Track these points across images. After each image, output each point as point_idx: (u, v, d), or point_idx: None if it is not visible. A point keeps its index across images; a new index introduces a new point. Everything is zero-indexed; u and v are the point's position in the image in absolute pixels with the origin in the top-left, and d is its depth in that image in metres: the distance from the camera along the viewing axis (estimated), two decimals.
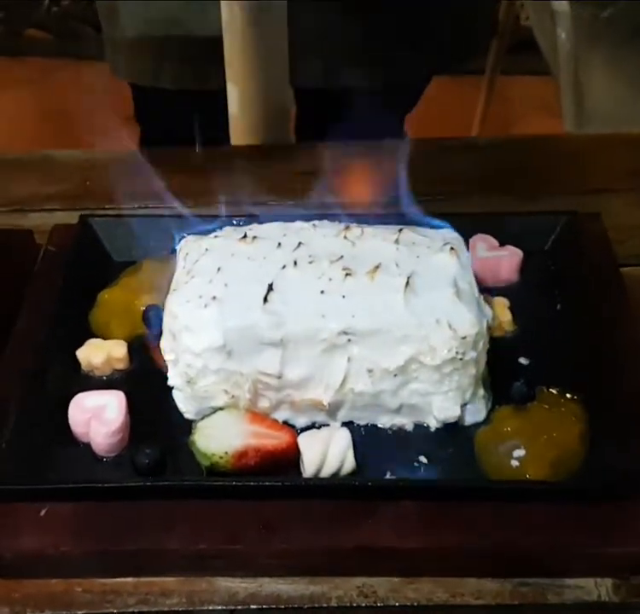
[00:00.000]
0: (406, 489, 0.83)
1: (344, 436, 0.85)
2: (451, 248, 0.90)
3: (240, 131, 1.35)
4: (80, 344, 0.96)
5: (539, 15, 2.11)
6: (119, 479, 0.85)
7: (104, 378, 0.95)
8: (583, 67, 2.05)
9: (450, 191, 1.24)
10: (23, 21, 2.92)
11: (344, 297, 0.86)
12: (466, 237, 1.05)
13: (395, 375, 0.86)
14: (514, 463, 0.85)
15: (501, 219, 1.09)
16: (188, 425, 0.88)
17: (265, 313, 0.84)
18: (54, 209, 1.24)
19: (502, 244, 1.07)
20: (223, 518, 0.82)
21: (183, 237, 0.99)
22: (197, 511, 0.82)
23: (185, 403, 0.89)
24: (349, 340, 0.85)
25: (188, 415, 0.90)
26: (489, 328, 0.87)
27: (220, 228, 0.97)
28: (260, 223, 0.96)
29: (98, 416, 0.87)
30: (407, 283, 0.86)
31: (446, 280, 0.87)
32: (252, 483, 0.82)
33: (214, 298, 0.85)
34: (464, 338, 0.84)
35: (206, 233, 0.97)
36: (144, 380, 0.94)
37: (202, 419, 0.87)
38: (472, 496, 0.83)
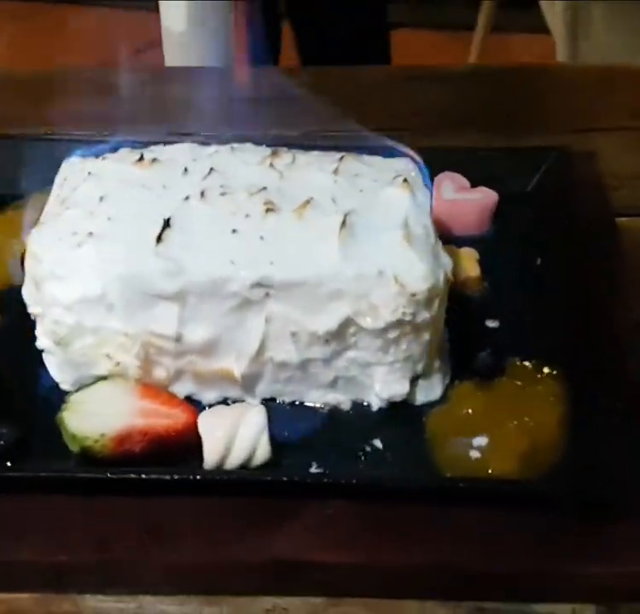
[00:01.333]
0: (334, 486, 0.65)
1: (257, 415, 0.66)
2: (404, 180, 0.70)
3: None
4: None
5: None
6: None
7: None
8: (582, 19, 1.86)
9: (419, 125, 1.05)
10: None
11: (262, 238, 0.67)
12: (431, 175, 0.86)
13: (326, 341, 0.67)
14: (474, 454, 0.68)
15: (473, 155, 0.91)
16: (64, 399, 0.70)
17: (158, 256, 0.65)
18: None
19: (473, 184, 0.88)
20: (93, 519, 0.64)
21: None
22: (59, 510, 0.64)
23: (59, 370, 0.71)
24: (267, 295, 0.66)
25: (63, 386, 0.71)
26: (448, 283, 0.68)
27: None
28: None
29: None
30: (343, 223, 0.67)
31: (395, 220, 0.68)
32: (132, 476, 0.63)
33: (91, 234, 0.66)
34: (414, 295, 0.65)
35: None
36: (15, 341, 0.75)
37: (78, 390, 0.68)
38: (418, 497, 0.65)
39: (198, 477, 0.64)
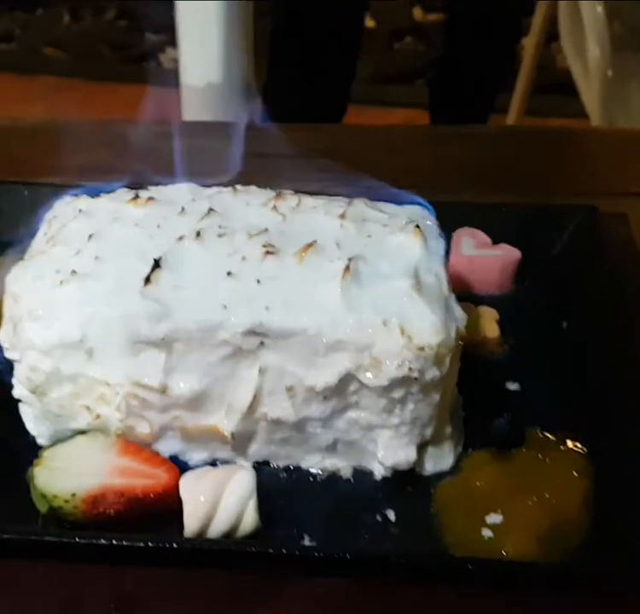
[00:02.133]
0: (326, 561, 0.57)
1: (245, 479, 0.60)
2: (416, 226, 0.65)
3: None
4: None
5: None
6: None
7: None
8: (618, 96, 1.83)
9: (443, 182, 1.00)
10: (41, 39, 2.81)
11: (259, 282, 0.61)
12: (449, 229, 0.81)
13: (325, 397, 0.61)
14: (487, 533, 0.60)
15: (496, 211, 0.85)
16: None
17: (144, 298, 0.60)
18: None
19: (495, 241, 0.82)
20: (58, 589, 0.57)
21: None
22: (20, 576, 0.57)
23: (35, 423, 0.65)
24: (261, 344, 0.60)
25: (40, 440, 0.65)
26: (460, 340, 0.62)
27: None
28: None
29: None
30: (347, 268, 0.61)
31: (404, 268, 0.63)
32: (102, 541, 0.56)
33: (74, 272, 0.61)
34: (422, 349, 0.59)
35: None
36: None
37: (53, 444, 0.62)
38: (422, 578, 0.58)
39: (174, 545, 0.56)
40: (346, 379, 0.60)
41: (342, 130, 1.12)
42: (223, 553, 0.58)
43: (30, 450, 0.64)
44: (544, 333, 0.76)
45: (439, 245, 0.66)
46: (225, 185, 0.86)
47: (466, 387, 0.68)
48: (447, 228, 0.80)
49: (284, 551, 0.57)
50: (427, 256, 0.64)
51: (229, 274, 0.61)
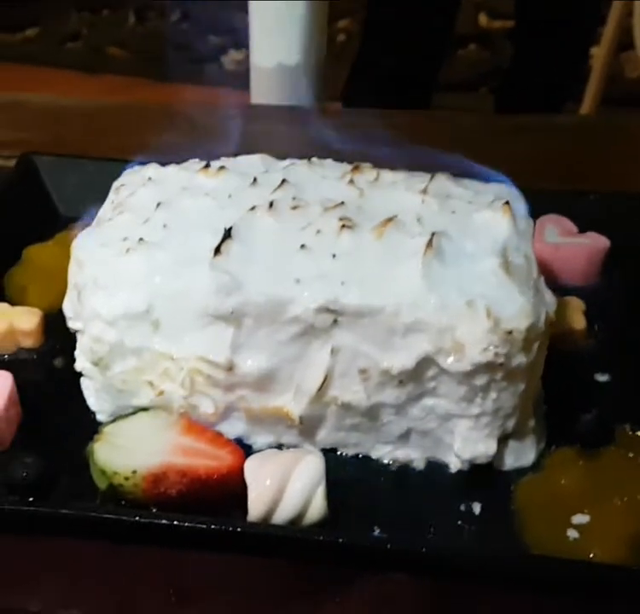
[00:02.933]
0: (398, 555, 0.53)
1: (314, 463, 0.56)
2: (506, 203, 0.61)
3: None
4: None
5: None
6: None
7: (5, 357, 0.69)
8: None
9: (523, 172, 0.95)
10: (106, 39, 2.83)
11: (334, 257, 0.57)
12: (533, 218, 0.76)
13: (401, 382, 0.57)
14: (573, 534, 0.56)
15: (583, 198, 0.80)
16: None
17: (214, 270, 0.56)
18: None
19: (582, 230, 0.77)
20: (115, 571, 0.54)
21: None
22: (78, 557, 0.54)
23: (97, 398, 0.62)
24: (335, 322, 0.56)
25: (101, 416, 0.63)
26: (549, 326, 0.58)
27: None
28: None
29: None
30: (429, 243, 0.57)
31: (491, 246, 0.59)
32: (164, 521, 0.53)
33: (142, 240, 0.58)
34: (510, 333, 0.55)
35: None
36: (57, 366, 0.67)
37: (114, 421, 0.59)
38: (500, 579, 0.53)
39: (238, 529, 0.53)
40: (425, 362, 0.56)
41: (420, 116, 1.08)
42: (289, 540, 0.54)
43: (90, 426, 0.62)
44: (634, 324, 0.71)
45: (528, 225, 0.62)
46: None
47: (549, 380, 0.63)
48: (530, 215, 0.76)
49: (354, 542, 0.53)
50: (516, 235, 0.60)
51: (302, 247, 0.58)
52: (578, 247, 0.75)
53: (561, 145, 1.01)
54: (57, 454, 0.60)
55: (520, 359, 0.56)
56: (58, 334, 0.68)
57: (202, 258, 0.57)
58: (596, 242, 0.76)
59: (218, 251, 0.57)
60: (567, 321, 0.70)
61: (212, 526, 0.53)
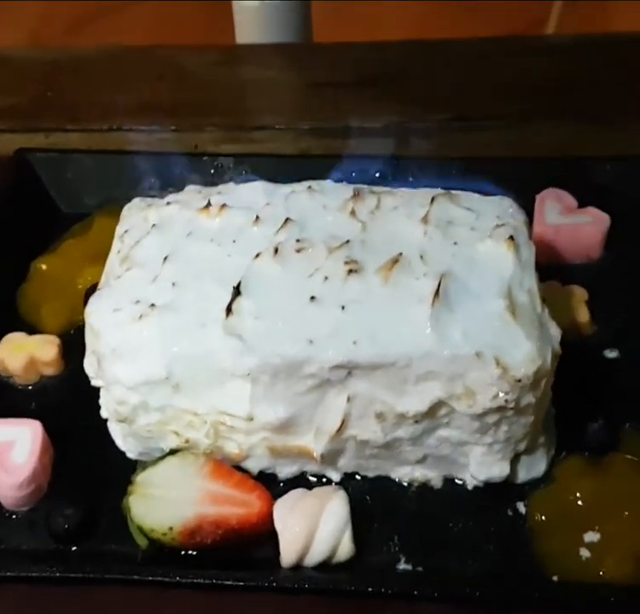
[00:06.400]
0: (424, 590, 0.58)
1: (339, 508, 0.60)
2: (510, 238, 0.61)
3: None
4: (1, 331, 0.72)
5: None
6: (32, 545, 0.62)
7: (29, 387, 0.71)
8: None
9: (513, 110, 0.93)
10: None
11: (343, 309, 0.58)
12: (532, 191, 0.76)
13: (416, 421, 0.60)
14: (584, 554, 0.59)
15: (582, 167, 0.79)
16: (132, 466, 0.64)
17: (227, 333, 0.58)
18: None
19: (582, 204, 0.77)
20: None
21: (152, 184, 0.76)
22: (130, 602, 0.59)
23: (123, 441, 0.65)
24: (349, 374, 0.58)
25: (130, 454, 0.65)
26: (556, 358, 0.59)
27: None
28: (237, 181, 0.68)
29: (2, 460, 0.63)
30: (437, 291, 0.58)
31: (496, 285, 0.59)
32: (202, 581, 0.57)
33: (153, 306, 0.59)
34: (519, 380, 0.57)
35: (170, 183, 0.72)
36: (82, 392, 0.68)
37: (145, 468, 0.62)
38: (513, 603, 0.58)
39: (274, 584, 0.57)
40: (437, 406, 0.59)
41: (406, 48, 1.04)
42: (320, 587, 0.58)
43: (121, 460, 0.65)
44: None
45: (530, 252, 0.62)
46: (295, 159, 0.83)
47: (555, 381, 0.65)
48: (530, 188, 0.77)
49: (382, 586, 0.57)
50: (519, 269, 0.60)
51: (312, 298, 0.59)
52: (579, 227, 0.75)
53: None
54: (93, 492, 0.63)
55: (529, 399, 0.58)
56: (77, 357, 0.69)
57: (214, 319, 0.58)
58: (597, 220, 0.76)
59: (229, 310, 0.58)
60: (570, 312, 0.71)
61: (252, 583, 0.57)
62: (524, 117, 0.94)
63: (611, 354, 0.71)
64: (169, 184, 0.78)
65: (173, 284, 0.60)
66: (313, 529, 0.59)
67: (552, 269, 0.73)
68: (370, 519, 0.62)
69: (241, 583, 0.57)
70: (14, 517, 0.64)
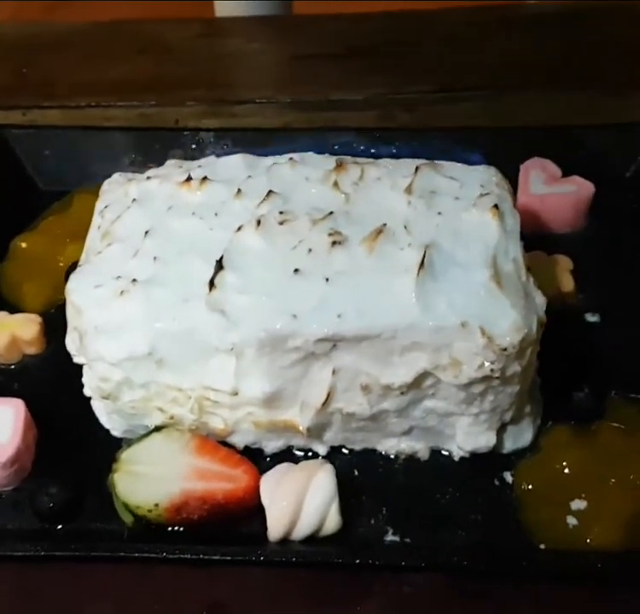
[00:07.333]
0: (411, 560, 0.58)
1: (326, 482, 0.59)
2: (495, 206, 0.60)
3: None
4: None
5: None
6: (17, 525, 0.62)
7: (11, 366, 0.70)
8: None
9: (497, 81, 0.93)
10: None
11: (328, 281, 0.58)
12: (516, 161, 0.76)
13: (402, 392, 0.59)
14: (571, 521, 0.59)
15: (566, 136, 0.79)
16: (117, 444, 0.64)
17: (211, 309, 0.57)
18: None
19: (566, 172, 0.77)
20: (145, 594, 0.58)
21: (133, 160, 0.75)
22: (109, 583, 0.58)
23: (108, 418, 0.64)
24: (334, 346, 0.58)
25: (114, 432, 0.65)
26: (542, 326, 0.59)
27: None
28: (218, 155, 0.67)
29: None
30: (422, 262, 0.57)
31: (481, 254, 0.59)
32: (188, 556, 0.57)
33: (135, 281, 0.58)
34: (504, 350, 0.56)
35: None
36: (64, 370, 0.67)
37: (130, 445, 0.62)
38: (514, 575, 0.58)
39: (262, 558, 0.57)
40: (423, 376, 0.58)
41: (392, 19, 1.03)
42: (309, 557, 0.58)
43: (106, 438, 0.64)
44: (622, 276, 0.72)
45: (514, 221, 0.61)
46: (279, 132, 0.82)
47: (540, 350, 0.65)
48: (514, 158, 0.76)
49: (370, 557, 0.57)
50: (504, 238, 0.60)
51: (296, 271, 0.58)
52: (563, 197, 0.75)
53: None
54: (77, 471, 0.63)
55: (514, 368, 0.58)
56: (59, 336, 0.68)
57: (197, 294, 0.58)
58: (581, 189, 0.75)
59: (212, 284, 0.58)
60: (555, 282, 0.71)
61: (239, 557, 0.57)
62: (507, 87, 0.93)
63: (595, 321, 0.70)
64: (150, 160, 0.78)
65: (155, 258, 0.60)
66: (300, 502, 0.58)
67: (537, 238, 0.72)
68: (357, 492, 0.62)
69: (229, 558, 0.57)
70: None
